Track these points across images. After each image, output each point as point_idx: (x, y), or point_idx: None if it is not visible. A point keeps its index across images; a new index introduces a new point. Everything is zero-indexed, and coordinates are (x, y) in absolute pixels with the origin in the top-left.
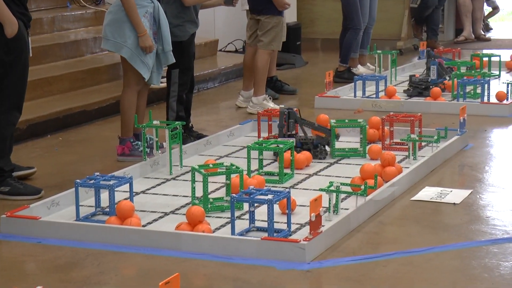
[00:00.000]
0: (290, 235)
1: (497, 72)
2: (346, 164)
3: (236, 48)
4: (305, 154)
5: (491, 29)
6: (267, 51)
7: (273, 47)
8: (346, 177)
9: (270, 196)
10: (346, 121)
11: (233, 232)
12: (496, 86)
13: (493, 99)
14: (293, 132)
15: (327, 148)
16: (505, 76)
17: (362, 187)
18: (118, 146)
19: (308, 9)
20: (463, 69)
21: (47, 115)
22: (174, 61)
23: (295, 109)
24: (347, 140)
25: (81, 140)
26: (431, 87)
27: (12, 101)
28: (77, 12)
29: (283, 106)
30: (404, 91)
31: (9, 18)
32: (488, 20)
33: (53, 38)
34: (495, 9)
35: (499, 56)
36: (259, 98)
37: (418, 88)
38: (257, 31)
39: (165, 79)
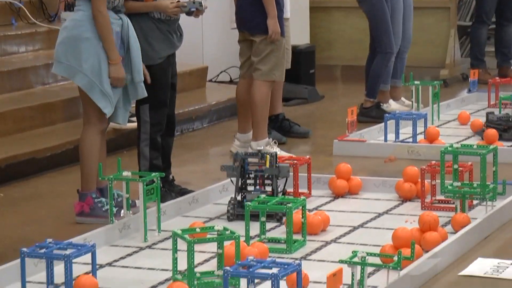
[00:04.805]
0: None
1: None
2: (375, 228)
3: (231, 78)
4: (321, 215)
5: None
6: (267, 82)
7: (274, 77)
8: (374, 245)
9: (275, 270)
10: None
11: None
12: None
13: None
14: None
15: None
16: None
17: (395, 258)
18: (76, 203)
19: (324, 28)
20: None
21: None
22: (146, 94)
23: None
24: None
25: (28, 197)
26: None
27: None
28: (24, 31)
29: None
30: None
31: None
32: None
33: None
34: None
35: None
36: (260, 143)
37: (497, 129)
38: (251, 58)
39: (135, 118)
